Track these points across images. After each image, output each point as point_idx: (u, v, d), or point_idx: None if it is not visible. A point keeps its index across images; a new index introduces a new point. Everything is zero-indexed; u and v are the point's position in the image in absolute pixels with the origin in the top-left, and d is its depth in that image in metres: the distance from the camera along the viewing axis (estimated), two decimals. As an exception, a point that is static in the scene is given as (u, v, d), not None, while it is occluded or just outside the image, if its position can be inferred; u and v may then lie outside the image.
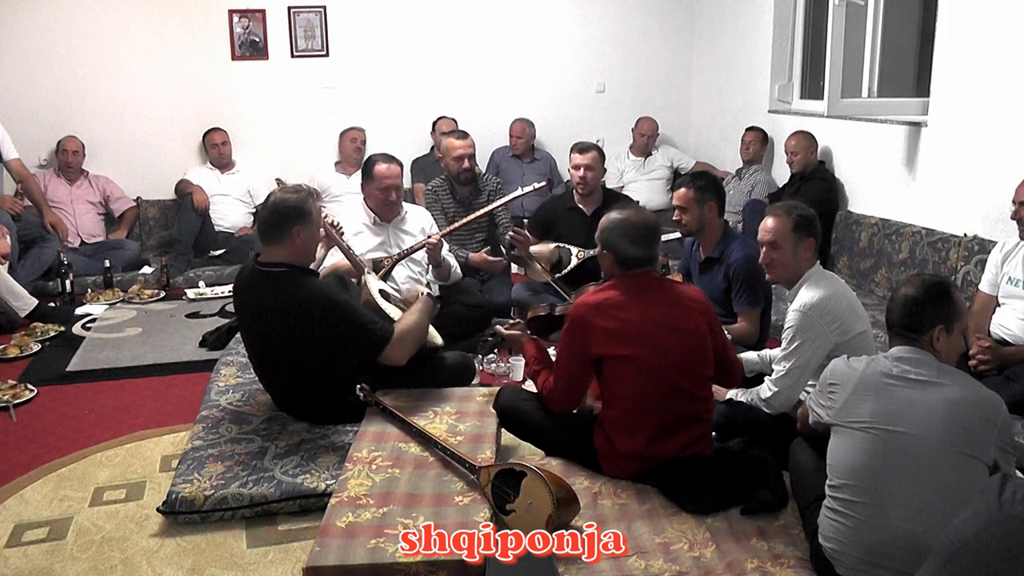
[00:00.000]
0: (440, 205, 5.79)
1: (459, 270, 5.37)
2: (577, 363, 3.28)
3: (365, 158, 5.31)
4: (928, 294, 2.70)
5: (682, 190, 4.46)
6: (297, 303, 3.67)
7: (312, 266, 3.96)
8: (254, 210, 7.56)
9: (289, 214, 3.73)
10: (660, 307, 3.24)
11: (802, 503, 2.97)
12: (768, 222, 3.60)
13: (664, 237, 5.42)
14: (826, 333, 3.39)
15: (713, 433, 3.48)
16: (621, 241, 3.29)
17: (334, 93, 7.84)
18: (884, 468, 2.55)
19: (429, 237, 5.05)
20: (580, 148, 5.55)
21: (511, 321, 4.05)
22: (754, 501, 3.08)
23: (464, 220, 5.39)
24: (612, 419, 3.26)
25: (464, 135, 5.88)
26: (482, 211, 5.45)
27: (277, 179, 7.42)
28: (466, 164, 5.73)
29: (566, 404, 3.40)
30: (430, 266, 5.23)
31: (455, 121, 7.84)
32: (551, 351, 3.64)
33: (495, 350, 4.11)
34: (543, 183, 5.78)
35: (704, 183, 4.46)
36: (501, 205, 5.51)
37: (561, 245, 5.26)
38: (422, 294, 4.21)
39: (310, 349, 3.73)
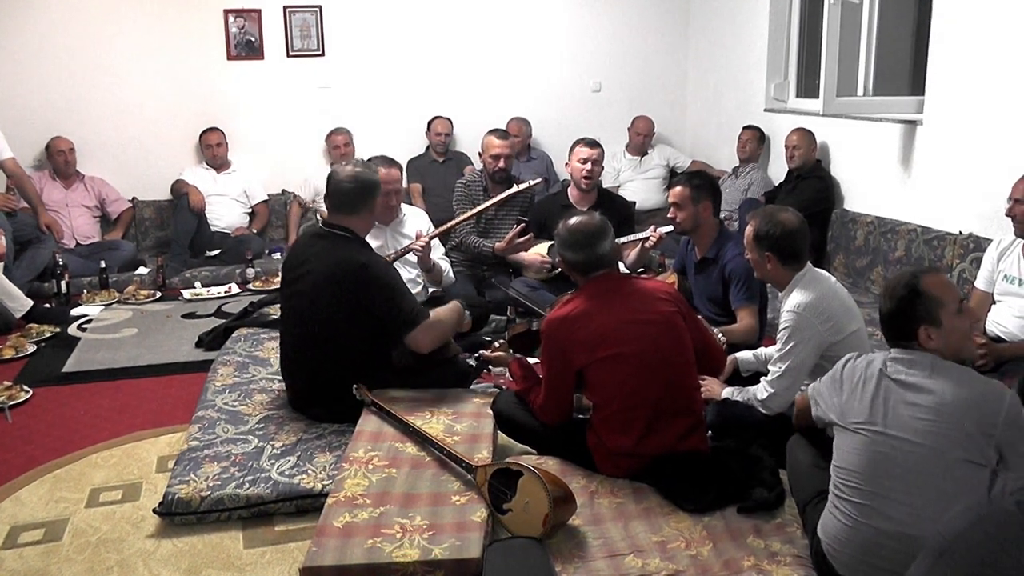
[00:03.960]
0: (470, 198, 5.77)
1: (451, 274, 5.37)
2: (560, 377, 3.34)
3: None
4: (898, 302, 2.65)
5: (678, 188, 4.50)
6: (349, 264, 3.83)
7: None
8: (250, 210, 7.58)
9: (373, 188, 4.01)
10: (627, 304, 3.28)
11: (801, 500, 2.97)
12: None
13: (636, 236, 5.39)
14: (820, 333, 3.39)
15: (709, 432, 3.49)
16: (564, 250, 3.39)
17: (330, 93, 7.83)
18: (878, 472, 2.54)
19: (417, 239, 5.04)
20: (587, 142, 5.61)
21: (496, 344, 4.13)
22: (751, 499, 3.09)
23: (455, 221, 5.40)
24: (602, 420, 3.29)
25: (505, 134, 5.89)
26: (473, 212, 5.44)
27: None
28: (502, 164, 5.72)
29: (558, 417, 3.44)
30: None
31: (450, 121, 7.84)
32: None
33: (482, 372, 4.22)
34: (539, 180, 5.79)
35: (700, 182, 4.50)
36: (496, 203, 5.50)
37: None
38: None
39: (349, 314, 3.82)
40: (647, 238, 5.09)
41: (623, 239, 5.30)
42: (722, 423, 3.58)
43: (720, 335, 3.98)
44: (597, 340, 3.22)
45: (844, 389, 2.72)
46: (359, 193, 3.96)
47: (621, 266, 6.20)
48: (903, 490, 2.49)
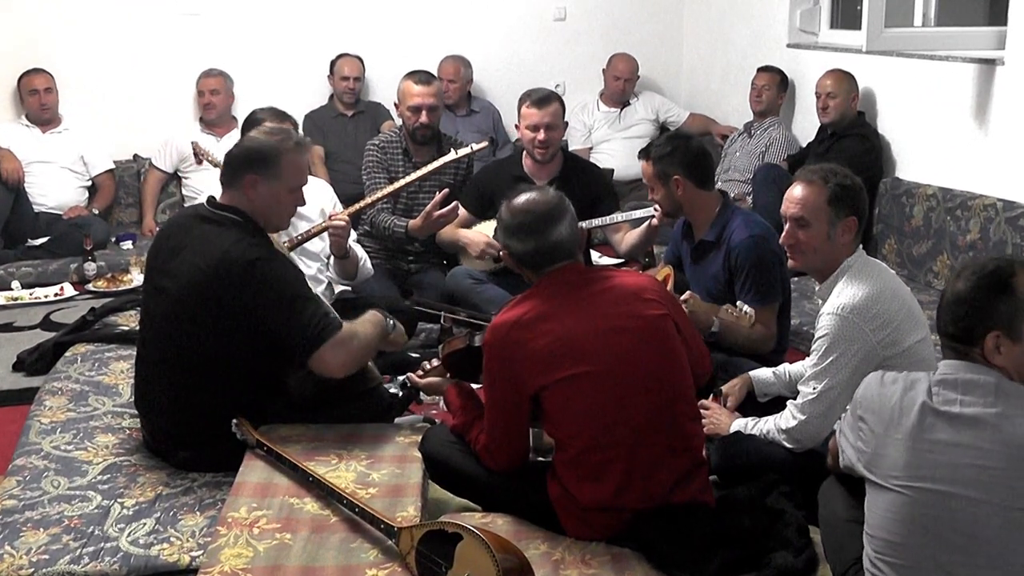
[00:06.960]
0: (384, 167, 5.80)
1: (368, 264, 5.36)
2: (510, 406, 3.35)
3: (246, 115, 5.27)
4: (976, 290, 2.60)
5: (641, 162, 4.62)
6: (233, 260, 3.75)
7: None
8: (89, 183, 7.53)
9: (246, 159, 3.93)
10: (598, 306, 3.31)
11: (838, 566, 2.99)
12: (796, 190, 3.61)
13: (636, 214, 5.42)
14: (872, 343, 3.42)
15: (713, 477, 3.51)
16: (509, 239, 3.42)
17: (200, 21, 7.78)
18: (929, 541, 2.54)
19: (331, 217, 5.02)
20: (537, 100, 5.53)
21: (428, 365, 4.08)
22: (770, 567, 3.11)
23: (379, 195, 5.38)
24: (567, 463, 3.30)
25: (428, 78, 5.92)
26: (395, 186, 5.43)
27: None
28: (424, 118, 5.75)
29: (509, 459, 3.45)
30: (330, 260, 5.24)
31: (361, 61, 7.86)
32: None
33: (409, 403, 4.22)
34: (483, 143, 5.78)
35: (667, 150, 4.50)
36: (421, 176, 5.48)
37: None
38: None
39: (230, 326, 3.78)
40: (652, 216, 5.07)
41: (597, 222, 5.32)
42: (731, 465, 3.63)
43: (746, 309, 3.98)
44: (557, 354, 3.22)
45: (871, 427, 2.71)
46: (235, 162, 3.93)
47: (596, 257, 6.26)
48: (963, 563, 2.51)
